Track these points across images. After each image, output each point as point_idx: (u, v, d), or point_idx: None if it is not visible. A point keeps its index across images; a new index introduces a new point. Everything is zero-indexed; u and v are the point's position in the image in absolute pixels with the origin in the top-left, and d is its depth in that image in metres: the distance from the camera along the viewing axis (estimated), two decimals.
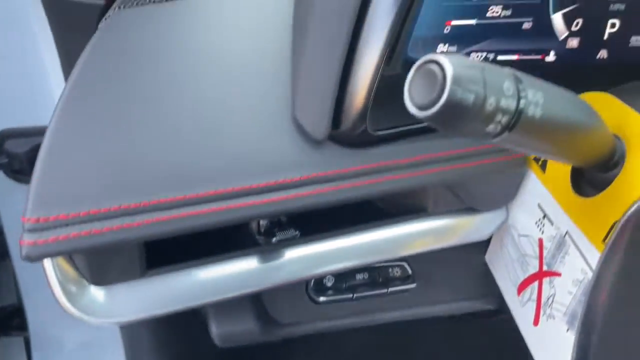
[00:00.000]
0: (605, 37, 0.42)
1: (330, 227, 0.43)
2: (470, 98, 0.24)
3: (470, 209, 0.46)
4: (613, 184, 0.35)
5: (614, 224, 0.34)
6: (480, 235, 0.46)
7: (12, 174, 0.73)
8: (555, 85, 0.30)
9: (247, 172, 0.37)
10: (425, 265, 0.47)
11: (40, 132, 0.71)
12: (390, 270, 0.48)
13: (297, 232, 0.38)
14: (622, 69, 0.44)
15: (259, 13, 0.43)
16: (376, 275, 0.48)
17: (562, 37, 0.41)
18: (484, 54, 0.40)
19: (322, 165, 0.39)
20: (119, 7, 0.41)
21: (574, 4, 0.40)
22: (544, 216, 0.41)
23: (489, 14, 0.38)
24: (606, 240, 0.34)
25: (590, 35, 0.41)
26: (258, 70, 0.40)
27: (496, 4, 0.38)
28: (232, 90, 0.39)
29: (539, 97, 0.27)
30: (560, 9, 0.40)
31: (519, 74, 0.27)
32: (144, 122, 0.36)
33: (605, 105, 0.38)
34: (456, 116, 0.25)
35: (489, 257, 0.50)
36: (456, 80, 0.24)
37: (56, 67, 0.62)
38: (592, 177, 0.38)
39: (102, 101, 0.36)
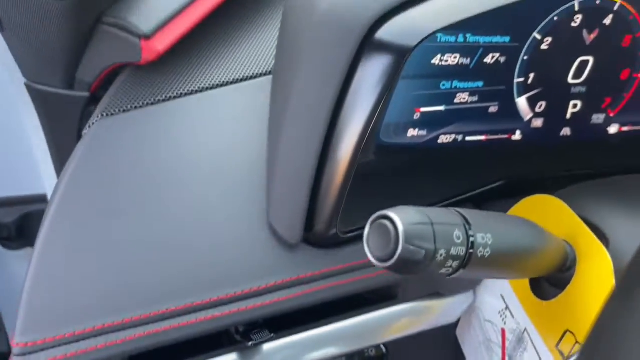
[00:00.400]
0: (568, 116, 0.43)
1: (305, 318, 0.45)
2: (421, 253, 0.27)
3: (438, 294, 0.48)
4: (565, 291, 0.37)
5: (566, 331, 0.36)
6: (448, 319, 0.48)
7: (0, 241, 0.74)
8: (505, 217, 0.33)
9: (224, 282, 0.39)
10: (400, 342, 0.49)
11: (25, 201, 0.73)
12: (365, 350, 0.50)
13: (272, 335, 0.40)
14: (584, 144, 0.46)
15: (237, 117, 0.45)
16: (352, 356, 0.50)
17: (527, 118, 0.42)
18: (453, 136, 0.42)
19: (297, 268, 0.41)
20: (102, 115, 0.43)
21: (537, 89, 0.41)
22: (506, 307, 0.43)
23: (456, 100, 0.40)
24: (559, 347, 0.36)
25: (554, 115, 0.43)
26: (236, 178, 0.42)
27: (463, 92, 0.39)
28: (210, 199, 0.41)
29: (487, 239, 0.30)
30: (525, 94, 0.41)
31: (469, 216, 0.30)
32: (125, 240, 0.38)
33: (555, 212, 0.40)
34: (410, 267, 0.27)
35: (459, 332, 0.52)
36: (407, 239, 0.26)
37: (42, 143, 0.63)
38: (549, 276, 0.40)
39: (85, 222, 0.38)
